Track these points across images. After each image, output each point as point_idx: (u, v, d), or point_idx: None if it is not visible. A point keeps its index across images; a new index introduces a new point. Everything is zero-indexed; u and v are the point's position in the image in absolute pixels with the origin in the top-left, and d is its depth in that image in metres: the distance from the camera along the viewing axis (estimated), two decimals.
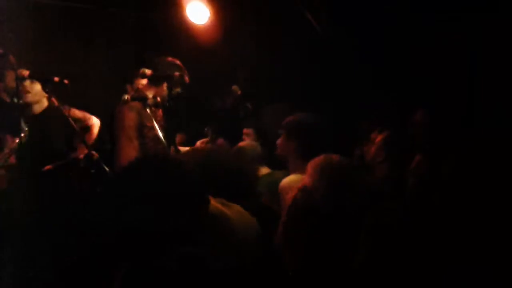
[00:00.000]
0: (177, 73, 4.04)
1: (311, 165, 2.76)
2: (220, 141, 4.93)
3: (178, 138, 4.79)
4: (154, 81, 4.01)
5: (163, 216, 1.58)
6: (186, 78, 4.17)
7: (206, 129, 4.54)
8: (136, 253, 1.58)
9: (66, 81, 3.63)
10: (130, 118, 3.71)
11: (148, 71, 3.90)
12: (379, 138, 3.49)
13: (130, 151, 3.61)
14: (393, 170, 3.27)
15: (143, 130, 3.73)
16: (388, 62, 4.87)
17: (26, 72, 3.41)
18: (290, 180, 3.13)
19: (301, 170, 3.00)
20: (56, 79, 3.56)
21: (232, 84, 4.73)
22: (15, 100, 3.70)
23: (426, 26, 4.66)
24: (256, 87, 5.18)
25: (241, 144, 4.22)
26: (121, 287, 1.59)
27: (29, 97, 3.96)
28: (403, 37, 4.77)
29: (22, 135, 3.55)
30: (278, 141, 3.31)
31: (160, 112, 4.01)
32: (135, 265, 1.57)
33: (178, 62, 4.20)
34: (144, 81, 4.40)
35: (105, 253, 2.70)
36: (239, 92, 4.47)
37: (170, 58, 4.17)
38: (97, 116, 4.70)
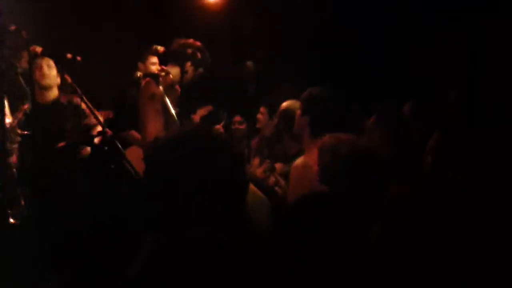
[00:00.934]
0: (189, 50, 4.01)
1: (320, 147, 2.70)
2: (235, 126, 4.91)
3: (201, 112, 4.74)
4: (168, 58, 4.00)
5: (205, 198, 1.51)
6: (198, 55, 4.13)
7: (221, 112, 4.50)
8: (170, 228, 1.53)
9: (78, 58, 3.62)
10: (155, 94, 3.72)
11: (160, 48, 3.88)
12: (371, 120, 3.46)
13: (158, 125, 3.61)
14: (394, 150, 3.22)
15: (164, 107, 3.75)
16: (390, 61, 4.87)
17: (39, 49, 3.38)
18: (305, 162, 3.08)
19: (314, 150, 2.95)
20: (69, 55, 3.55)
21: (247, 60, 4.68)
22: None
23: (426, 26, 4.64)
24: (271, 64, 5.16)
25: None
26: (144, 264, 1.56)
27: (47, 82, 3.98)
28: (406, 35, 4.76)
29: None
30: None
31: (178, 89, 4.00)
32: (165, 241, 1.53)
33: (197, 43, 4.17)
34: (156, 59, 4.39)
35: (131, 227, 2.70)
36: (252, 69, 4.40)
37: (190, 40, 4.15)
38: (107, 94, 4.71)
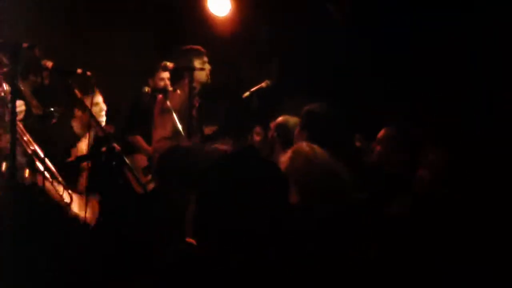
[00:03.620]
0: (199, 65, 4.07)
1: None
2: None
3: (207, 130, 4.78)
4: (179, 74, 4.06)
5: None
6: (207, 72, 4.19)
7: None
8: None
9: (88, 73, 3.64)
10: (165, 108, 3.78)
11: (170, 64, 3.92)
12: (379, 134, 3.50)
13: (164, 133, 3.78)
14: (398, 166, 3.25)
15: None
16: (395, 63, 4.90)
17: (50, 63, 3.39)
18: None
19: None
20: (79, 71, 3.56)
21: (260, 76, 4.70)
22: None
23: (427, 26, 4.67)
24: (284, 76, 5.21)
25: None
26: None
27: None
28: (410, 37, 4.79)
29: None
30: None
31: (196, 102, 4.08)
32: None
33: (200, 48, 4.21)
34: (166, 74, 4.43)
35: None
36: (264, 85, 4.42)
37: (194, 46, 4.19)
38: (118, 103, 4.73)
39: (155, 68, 4.55)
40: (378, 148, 3.42)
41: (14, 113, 2.65)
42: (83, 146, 3.81)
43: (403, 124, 3.59)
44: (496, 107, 4.20)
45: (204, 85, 4.38)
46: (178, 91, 4.14)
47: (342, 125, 3.27)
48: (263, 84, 4.36)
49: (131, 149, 4.47)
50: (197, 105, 4.28)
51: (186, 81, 4.09)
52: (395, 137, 3.38)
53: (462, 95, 4.47)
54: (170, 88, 4.12)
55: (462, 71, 4.54)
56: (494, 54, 4.35)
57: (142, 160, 4.52)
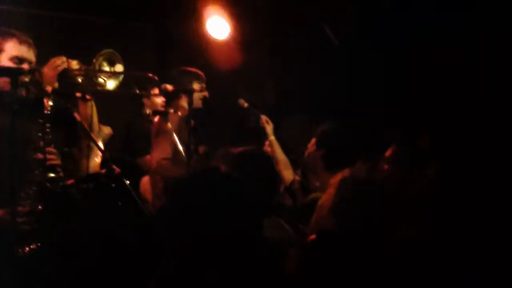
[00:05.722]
0: (197, 88, 4.10)
1: (331, 182, 2.74)
2: None
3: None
4: (174, 95, 4.08)
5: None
6: (206, 93, 4.22)
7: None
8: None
9: (88, 97, 3.66)
10: (165, 130, 3.80)
11: (169, 87, 3.95)
12: (387, 153, 3.49)
13: (163, 153, 3.81)
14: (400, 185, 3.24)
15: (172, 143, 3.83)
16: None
17: (49, 88, 3.41)
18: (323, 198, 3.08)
19: (329, 184, 2.98)
20: (78, 94, 3.58)
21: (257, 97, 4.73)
22: None
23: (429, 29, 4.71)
24: (280, 98, 5.23)
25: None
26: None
27: None
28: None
29: None
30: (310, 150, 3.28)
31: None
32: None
33: (199, 72, 4.25)
34: (161, 97, 4.47)
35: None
36: (245, 105, 4.46)
37: (189, 68, 4.23)
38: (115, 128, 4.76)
39: (151, 90, 4.58)
40: (386, 167, 3.40)
41: (13, 143, 2.64)
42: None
43: (407, 140, 3.59)
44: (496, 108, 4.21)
45: (196, 109, 4.39)
46: (175, 112, 4.16)
47: (357, 142, 3.27)
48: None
49: (138, 172, 4.48)
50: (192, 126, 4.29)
51: (180, 102, 4.14)
52: (405, 154, 3.37)
53: (462, 99, 4.50)
54: (171, 110, 4.14)
55: (463, 75, 4.57)
56: (494, 56, 4.38)
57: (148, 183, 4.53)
